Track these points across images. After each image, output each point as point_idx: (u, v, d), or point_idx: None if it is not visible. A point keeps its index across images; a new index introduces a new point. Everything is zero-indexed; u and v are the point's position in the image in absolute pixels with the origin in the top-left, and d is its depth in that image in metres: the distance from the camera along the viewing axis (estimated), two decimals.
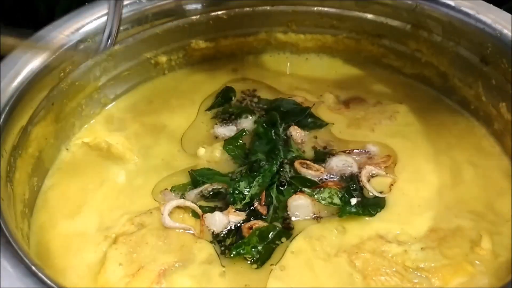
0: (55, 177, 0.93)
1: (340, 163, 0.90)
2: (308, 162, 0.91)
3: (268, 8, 1.10)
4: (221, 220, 0.82)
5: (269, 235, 0.82)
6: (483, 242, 0.79)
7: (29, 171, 0.86)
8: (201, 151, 0.95)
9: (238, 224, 0.83)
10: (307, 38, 1.13)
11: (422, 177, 0.89)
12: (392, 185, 0.88)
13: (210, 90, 1.09)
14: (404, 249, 0.79)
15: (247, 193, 0.86)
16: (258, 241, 0.81)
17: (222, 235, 0.82)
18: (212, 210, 0.86)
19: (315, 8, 1.08)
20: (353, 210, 0.84)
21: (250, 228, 0.82)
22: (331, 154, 0.93)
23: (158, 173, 0.92)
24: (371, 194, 0.87)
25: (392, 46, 1.07)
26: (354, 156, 0.92)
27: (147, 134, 1.01)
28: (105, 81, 1.02)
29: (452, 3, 0.95)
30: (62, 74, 0.92)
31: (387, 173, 0.89)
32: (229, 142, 0.95)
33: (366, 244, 0.80)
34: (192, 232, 0.82)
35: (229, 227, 0.83)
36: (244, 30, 1.12)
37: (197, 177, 0.90)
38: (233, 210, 0.84)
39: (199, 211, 0.84)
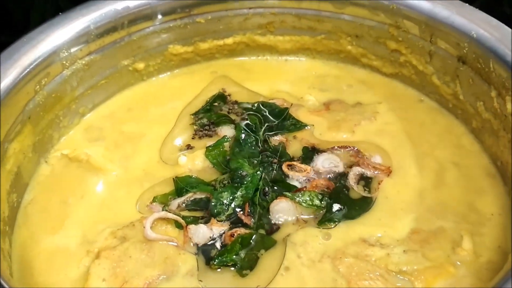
0: (34, 191, 0.92)
1: (326, 163, 0.91)
2: (294, 163, 0.91)
3: (245, 10, 1.09)
4: (205, 233, 0.82)
5: (251, 241, 0.82)
6: (464, 243, 0.80)
7: (7, 188, 0.85)
8: (183, 159, 0.94)
9: (222, 233, 0.83)
10: (286, 39, 1.13)
11: (405, 179, 0.90)
12: (379, 183, 0.88)
13: (189, 95, 1.08)
14: (387, 252, 0.80)
15: (230, 204, 0.85)
16: (240, 248, 0.81)
17: (207, 246, 0.82)
18: (195, 220, 0.85)
19: (293, 10, 1.08)
20: (335, 219, 0.84)
21: (232, 235, 0.82)
22: (318, 151, 0.93)
23: (139, 184, 0.92)
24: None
25: (370, 46, 1.07)
26: (341, 151, 0.93)
27: (127, 143, 1.00)
28: (82, 91, 1.01)
29: (428, 3, 0.95)
30: (38, 86, 0.91)
31: (375, 172, 0.90)
32: (210, 149, 0.95)
33: (350, 248, 0.81)
34: (176, 244, 0.82)
35: (212, 239, 0.82)
36: (222, 33, 1.11)
37: (181, 185, 0.89)
38: (216, 221, 0.84)
39: (182, 222, 0.84)
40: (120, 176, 0.94)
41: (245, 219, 0.85)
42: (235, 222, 0.85)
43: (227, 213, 0.85)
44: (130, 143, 1.00)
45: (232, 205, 0.85)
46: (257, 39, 1.13)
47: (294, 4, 1.07)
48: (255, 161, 0.93)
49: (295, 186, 0.88)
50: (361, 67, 1.11)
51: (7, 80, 0.85)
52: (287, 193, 0.86)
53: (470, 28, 0.90)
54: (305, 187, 0.87)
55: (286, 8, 1.08)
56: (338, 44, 1.10)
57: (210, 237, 0.83)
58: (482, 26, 0.89)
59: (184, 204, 0.88)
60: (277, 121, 1.01)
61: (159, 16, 1.05)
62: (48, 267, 0.81)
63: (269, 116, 1.02)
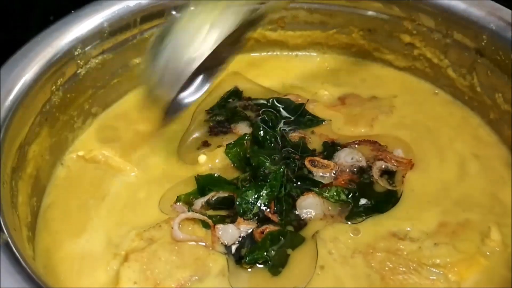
0: (52, 195, 0.90)
1: (348, 158, 0.90)
2: (317, 159, 0.90)
3: (257, 6, 1.07)
4: (234, 232, 0.81)
5: (281, 238, 0.81)
6: (493, 234, 0.80)
7: (29, 192, 0.83)
8: (202, 158, 0.92)
9: (250, 232, 0.82)
10: (297, 34, 1.12)
11: (428, 172, 0.90)
12: (403, 176, 0.88)
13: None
14: (418, 246, 0.80)
15: (256, 203, 0.84)
16: (270, 245, 0.80)
17: (236, 246, 0.81)
18: (222, 219, 0.84)
19: (305, 5, 1.07)
20: (362, 213, 0.84)
21: (262, 232, 0.81)
22: (339, 146, 0.93)
23: (160, 184, 0.90)
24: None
25: (383, 40, 1.07)
26: (362, 145, 0.92)
27: (143, 143, 0.98)
28: (95, 90, 0.99)
29: None
30: (54, 87, 0.88)
31: (397, 165, 0.90)
32: (231, 147, 0.93)
33: (380, 243, 0.80)
34: (204, 243, 0.81)
35: (240, 238, 0.81)
36: None
37: (203, 184, 0.88)
38: (243, 220, 0.83)
39: (209, 221, 0.83)
40: (140, 176, 0.92)
41: (272, 217, 0.84)
42: (262, 220, 0.84)
43: (253, 212, 0.84)
44: (146, 142, 0.98)
45: (258, 204, 0.84)
46: (268, 35, 1.12)
47: None
48: (276, 158, 0.92)
49: (320, 182, 0.88)
50: (373, 61, 1.11)
51: (24, 81, 0.82)
52: (315, 189, 0.85)
53: (488, 20, 0.91)
54: (331, 182, 0.87)
55: (298, 2, 1.07)
56: (350, 38, 1.10)
57: (239, 236, 0.82)
58: (501, 18, 0.90)
59: (207, 203, 0.87)
60: (293, 117, 1.00)
61: (171, 12, 1.02)
62: (75, 273, 0.79)
63: (285, 112, 1.01)
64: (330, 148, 0.94)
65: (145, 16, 0.99)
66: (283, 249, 0.81)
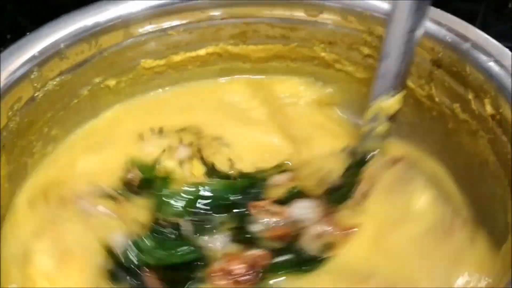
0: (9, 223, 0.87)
1: (303, 211, 0.85)
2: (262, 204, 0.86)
3: (217, 21, 1.07)
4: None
5: None
6: None
7: None
8: None
9: None
10: (259, 48, 1.13)
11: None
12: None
13: None
14: None
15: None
16: None
17: None
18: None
19: (266, 19, 1.08)
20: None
21: None
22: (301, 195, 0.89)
23: None
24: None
25: (344, 52, 1.08)
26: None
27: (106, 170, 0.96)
28: (54, 113, 0.96)
29: None
30: (10, 112, 0.85)
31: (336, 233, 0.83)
32: None
33: None
34: (116, 215, 0.84)
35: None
36: (195, 45, 1.09)
37: None
38: None
39: (115, 195, 0.86)
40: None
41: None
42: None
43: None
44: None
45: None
46: (230, 49, 1.12)
47: (267, 13, 1.07)
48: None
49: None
50: (335, 71, 1.12)
51: None
52: None
53: (444, 32, 0.93)
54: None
55: (259, 17, 1.08)
56: (312, 51, 1.11)
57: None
58: (456, 30, 0.92)
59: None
60: None
61: (130, 31, 1.01)
62: None
63: None
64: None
65: (104, 35, 0.98)
66: None
